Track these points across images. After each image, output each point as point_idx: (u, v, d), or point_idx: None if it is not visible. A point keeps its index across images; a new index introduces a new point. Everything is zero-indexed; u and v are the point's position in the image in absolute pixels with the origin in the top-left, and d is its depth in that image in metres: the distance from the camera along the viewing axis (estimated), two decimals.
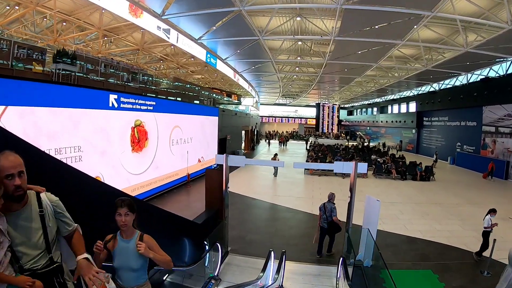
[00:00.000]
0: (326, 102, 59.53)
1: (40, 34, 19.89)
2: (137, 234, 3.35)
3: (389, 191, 19.06)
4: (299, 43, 24.25)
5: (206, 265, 7.86)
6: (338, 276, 7.46)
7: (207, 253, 7.57)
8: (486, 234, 9.49)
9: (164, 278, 6.38)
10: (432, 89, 36.71)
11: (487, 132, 26.29)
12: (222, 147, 25.39)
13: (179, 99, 20.21)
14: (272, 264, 7.62)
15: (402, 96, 45.88)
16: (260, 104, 64.30)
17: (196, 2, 16.02)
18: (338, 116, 60.30)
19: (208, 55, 24.05)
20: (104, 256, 3.22)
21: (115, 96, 12.95)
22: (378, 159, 26.94)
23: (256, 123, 49.62)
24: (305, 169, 24.52)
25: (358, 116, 67.04)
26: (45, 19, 19.41)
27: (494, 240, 8.94)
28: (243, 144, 37.18)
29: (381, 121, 51.73)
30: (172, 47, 24.10)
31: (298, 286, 7.75)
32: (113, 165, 12.93)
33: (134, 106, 14.21)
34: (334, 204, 9.89)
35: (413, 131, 41.10)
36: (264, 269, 7.01)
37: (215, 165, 20.40)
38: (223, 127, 26.23)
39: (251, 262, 8.99)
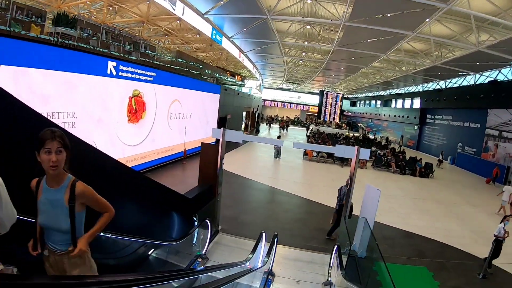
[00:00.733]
0: (330, 91, 58.89)
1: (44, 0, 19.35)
2: (68, 180, 2.51)
3: (388, 183, 18.81)
4: (308, 27, 23.63)
5: (194, 242, 7.63)
6: (331, 264, 7.17)
7: (196, 229, 7.28)
8: (497, 243, 8.88)
9: (149, 253, 6.07)
10: (438, 87, 36.05)
11: (490, 135, 25.93)
12: (222, 126, 24.90)
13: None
14: (263, 246, 7.36)
15: (407, 92, 45.21)
16: (264, 87, 63.72)
17: None
18: (341, 106, 59.48)
19: (214, 31, 23.48)
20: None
21: (114, 64, 12.54)
22: (379, 151, 26.74)
23: (258, 106, 49.24)
24: (303, 154, 24.38)
25: (361, 108, 66.56)
26: None
27: (493, 242, 8.71)
28: (243, 126, 36.83)
29: (384, 115, 51.24)
30: (178, 21, 23.56)
31: (289, 272, 7.45)
32: (108, 134, 12.58)
33: (133, 76, 13.77)
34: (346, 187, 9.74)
35: (415, 127, 40.70)
36: (254, 250, 6.66)
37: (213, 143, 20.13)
38: (224, 105, 25.87)
39: (241, 243, 8.75)
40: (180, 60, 22.29)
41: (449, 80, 33.54)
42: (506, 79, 25.09)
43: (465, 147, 29.81)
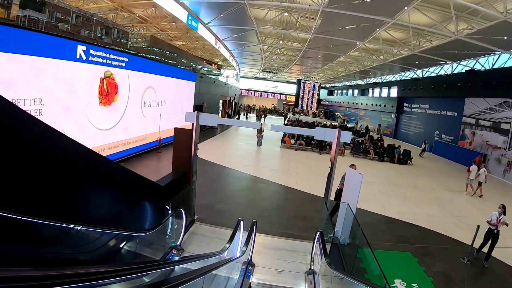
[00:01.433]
0: (308, 80, 58.97)
1: None
2: None
3: (367, 170, 18.66)
4: (286, 14, 23.31)
5: (168, 233, 7.29)
6: (314, 252, 6.92)
7: (169, 218, 6.89)
8: (488, 231, 8.70)
9: (120, 245, 5.61)
10: (415, 76, 36.45)
11: (467, 124, 26.33)
12: None
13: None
14: (241, 235, 6.98)
15: (384, 81, 45.63)
16: (241, 77, 63.34)
17: None
18: (318, 95, 59.86)
19: (190, 17, 22.90)
20: None
21: (84, 48, 11.82)
22: (357, 139, 26.85)
23: (235, 95, 48.94)
24: (281, 142, 24.27)
25: (338, 97, 66.88)
26: None
27: (478, 226, 8.64)
28: (219, 114, 36.36)
29: (361, 104, 51.60)
30: (153, 8, 22.93)
31: (270, 262, 7.14)
32: (77, 122, 11.88)
33: (105, 61, 13.07)
34: None
35: (393, 115, 41.07)
36: (231, 239, 6.19)
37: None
38: (200, 94, 25.43)
39: (219, 233, 8.36)
40: (154, 49, 21.65)
41: (426, 69, 33.97)
42: (483, 68, 25.35)
43: (442, 135, 30.22)
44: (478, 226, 8.63)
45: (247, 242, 6.29)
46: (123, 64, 14.36)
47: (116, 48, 15.41)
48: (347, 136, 7.78)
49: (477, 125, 25.04)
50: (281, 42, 32.11)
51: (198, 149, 8.60)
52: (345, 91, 63.31)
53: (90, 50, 12.19)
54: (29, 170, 2.82)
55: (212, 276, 5.27)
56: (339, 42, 26.97)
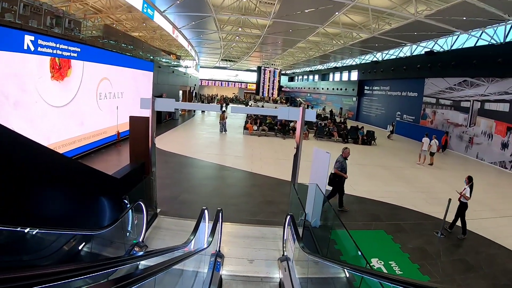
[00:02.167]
0: (268, 66, 58.85)
1: None
2: None
3: (333, 152, 18.60)
4: (244, 0, 22.98)
5: (128, 229, 6.87)
6: (285, 238, 6.64)
7: (127, 212, 6.45)
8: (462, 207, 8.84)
9: (79, 247, 5.06)
10: (375, 59, 37.01)
11: (427, 103, 27.17)
12: None
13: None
14: (207, 225, 6.57)
15: (344, 65, 46.22)
16: (200, 66, 62.47)
17: None
18: (279, 81, 59.88)
19: (145, 5, 22.06)
20: None
21: (32, 38, 10.92)
22: (320, 122, 27.03)
23: (195, 85, 48.17)
24: (244, 129, 24.08)
25: (299, 83, 67.52)
26: None
27: (449, 199, 8.71)
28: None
29: (322, 88, 52.16)
30: None
31: (239, 251, 6.80)
32: (28, 119, 11.13)
33: (55, 51, 12.16)
34: (343, 158, 10.18)
35: (354, 99, 41.84)
36: (195, 230, 5.71)
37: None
38: (159, 84, 24.71)
39: (184, 225, 7.89)
40: (109, 39, 20.73)
41: (386, 52, 34.52)
42: (441, 49, 25.95)
43: (403, 116, 30.99)
44: (450, 200, 8.71)
45: (213, 232, 5.91)
46: (75, 55, 13.52)
47: (67, 35, 14.59)
48: (312, 115, 7.62)
49: (437, 104, 25.85)
50: (240, 29, 31.66)
51: (155, 137, 8.19)
52: (305, 76, 63.89)
53: (39, 40, 11.31)
54: None
55: (179, 272, 4.91)
56: (298, 26, 26.73)
